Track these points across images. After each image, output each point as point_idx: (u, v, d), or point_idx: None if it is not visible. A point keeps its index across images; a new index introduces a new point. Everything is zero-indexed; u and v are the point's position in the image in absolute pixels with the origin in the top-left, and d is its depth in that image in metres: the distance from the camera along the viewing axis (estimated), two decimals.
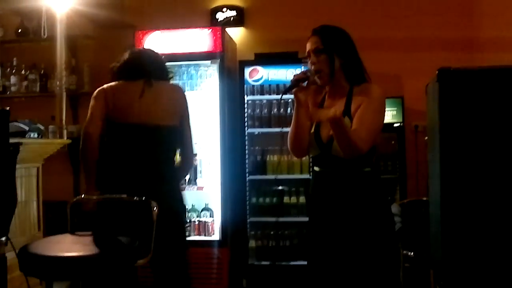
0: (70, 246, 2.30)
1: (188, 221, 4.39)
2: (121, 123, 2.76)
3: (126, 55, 2.91)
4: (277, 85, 4.41)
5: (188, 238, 4.30)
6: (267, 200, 4.48)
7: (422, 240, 3.50)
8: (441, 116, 2.99)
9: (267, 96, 4.46)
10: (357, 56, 2.40)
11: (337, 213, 2.36)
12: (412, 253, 3.62)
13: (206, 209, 4.48)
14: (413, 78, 4.25)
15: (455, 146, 2.95)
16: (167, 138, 2.83)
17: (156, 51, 3.06)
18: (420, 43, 4.66)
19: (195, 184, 4.37)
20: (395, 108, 4.39)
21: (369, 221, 2.33)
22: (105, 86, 2.84)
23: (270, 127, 4.43)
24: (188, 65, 4.45)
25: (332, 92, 2.43)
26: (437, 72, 3.00)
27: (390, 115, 4.33)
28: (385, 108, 2.37)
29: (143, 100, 2.76)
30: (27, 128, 3.95)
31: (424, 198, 3.75)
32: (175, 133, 2.85)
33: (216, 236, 4.31)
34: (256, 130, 4.51)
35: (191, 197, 4.52)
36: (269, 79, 4.46)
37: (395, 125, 4.39)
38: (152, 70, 2.86)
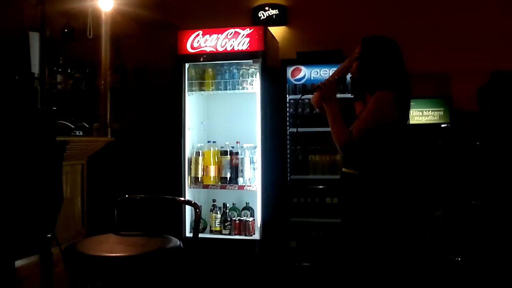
0: (115, 246, 2.32)
1: (228, 219, 4.40)
2: None
3: None
4: None
5: (228, 237, 4.34)
6: (309, 200, 4.41)
7: (470, 245, 3.39)
8: (493, 120, 2.88)
9: (309, 96, 4.36)
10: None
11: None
12: (459, 259, 3.51)
13: (246, 208, 4.47)
14: (463, 78, 4.13)
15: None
16: None
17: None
18: (471, 42, 4.45)
19: (236, 183, 4.36)
20: (442, 109, 4.23)
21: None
22: None
23: (312, 126, 4.36)
24: (230, 64, 4.43)
25: None
26: (490, 75, 2.90)
27: (437, 116, 4.20)
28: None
29: None
30: (72, 126, 4.03)
31: (473, 202, 3.62)
32: None
33: (256, 235, 4.30)
34: (298, 129, 4.43)
35: (231, 196, 4.54)
36: (312, 78, 4.39)
37: (442, 125, 4.25)
38: None
